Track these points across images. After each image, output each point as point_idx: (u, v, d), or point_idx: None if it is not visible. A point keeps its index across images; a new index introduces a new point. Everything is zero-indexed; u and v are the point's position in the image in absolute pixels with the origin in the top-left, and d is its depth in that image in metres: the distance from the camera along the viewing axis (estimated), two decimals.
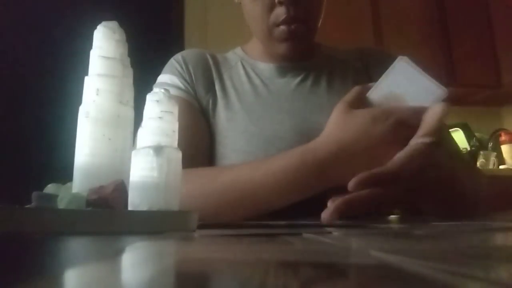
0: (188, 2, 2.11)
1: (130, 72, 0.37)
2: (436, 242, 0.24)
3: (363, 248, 0.21)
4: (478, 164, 2.08)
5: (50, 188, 0.33)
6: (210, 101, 0.70)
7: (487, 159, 2.16)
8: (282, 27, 0.63)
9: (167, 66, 0.74)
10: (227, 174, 0.56)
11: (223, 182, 0.55)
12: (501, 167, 2.18)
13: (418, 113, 0.48)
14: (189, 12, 2.09)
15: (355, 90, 0.54)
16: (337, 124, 0.52)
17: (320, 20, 0.69)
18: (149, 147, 0.34)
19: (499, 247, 0.21)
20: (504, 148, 2.23)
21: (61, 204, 0.30)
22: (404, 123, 0.48)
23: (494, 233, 0.29)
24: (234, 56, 0.77)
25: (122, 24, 0.37)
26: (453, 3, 2.22)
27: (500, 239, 0.26)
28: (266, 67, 0.74)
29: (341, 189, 0.50)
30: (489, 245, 0.22)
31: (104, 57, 0.35)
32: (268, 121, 0.67)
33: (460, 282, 0.11)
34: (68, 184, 0.34)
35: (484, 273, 0.13)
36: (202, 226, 0.37)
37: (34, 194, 0.30)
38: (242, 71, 0.74)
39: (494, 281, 0.11)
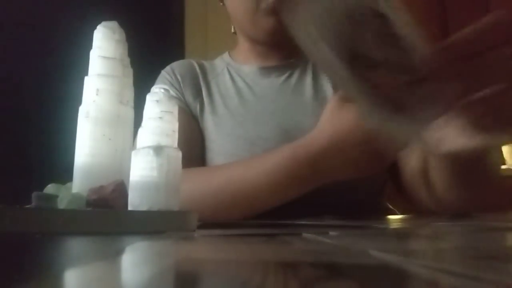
0: (188, 1, 2.11)
1: (130, 72, 0.37)
2: (436, 242, 0.24)
3: (363, 248, 0.21)
4: None
5: (50, 188, 0.33)
6: (198, 108, 0.72)
7: None
8: None
9: (158, 78, 0.76)
10: (221, 174, 0.56)
11: (218, 182, 0.55)
12: (501, 167, 2.18)
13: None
14: (189, 12, 2.09)
15: None
16: (329, 119, 0.52)
17: None
18: (149, 147, 0.34)
19: (499, 247, 0.21)
20: (505, 148, 2.23)
21: (61, 204, 0.30)
22: None
23: (494, 233, 0.29)
24: (221, 62, 0.78)
25: (122, 24, 0.37)
26: (453, 3, 2.22)
27: (500, 239, 0.26)
28: (250, 70, 0.74)
29: (335, 187, 0.51)
30: (489, 245, 0.22)
31: (104, 57, 0.35)
32: (252, 122, 0.68)
33: (460, 282, 0.11)
34: (68, 184, 0.34)
35: (484, 273, 0.13)
36: (202, 226, 0.37)
37: (34, 194, 0.30)
38: (227, 77, 0.75)
39: (494, 281, 0.11)
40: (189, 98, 0.72)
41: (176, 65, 0.77)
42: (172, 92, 0.71)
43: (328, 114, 0.52)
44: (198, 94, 0.73)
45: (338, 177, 0.51)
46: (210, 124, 0.70)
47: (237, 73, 0.75)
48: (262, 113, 0.69)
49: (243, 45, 0.76)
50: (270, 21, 0.65)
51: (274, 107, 0.69)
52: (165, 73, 0.75)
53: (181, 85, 0.73)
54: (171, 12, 2.06)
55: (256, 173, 0.53)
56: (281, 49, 0.74)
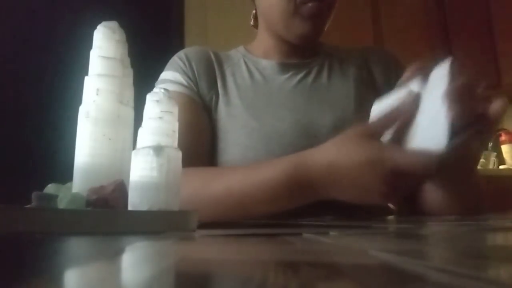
0: (188, 2, 2.11)
1: (130, 72, 0.37)
2: (436, 242, 0.24)
3: (363, 248, 0.21)
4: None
5: (50, 188, 0.33)
6: (213, 98, 0.71)
7: (487, 159, 2.16)
8: (311, 4, 0.64)
9: (170, 63, 0.74)
10: (220, 181, 0.55)
11: (216, 191, 0.54)
12: (501, 167, 2.18)
13: (417, 165, 0.43)
14: (189, 12, 2.09)
15: (379, 122, 0.49)
16: (340, 145, 0.48)
17: (335, 10, 0.70)
18: (149, 147, 0.34)
19: (499, 247, 0.21)
20: (504, 148, 2.23)
21: (61, 204, 0.30)
22: (399, 172, 0.44)
23: (494, 233, 0.29)
24: (237, 53, 0.78)
25: (122, 24, 0.37)
26: (453, 3, 2.22)
27: (500, 239, 0.26)
28: (268, 64, 0.74)
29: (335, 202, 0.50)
30: (489, 245, 0.22)
31: (104, 57, 0.35)
32: (268, 116, 0.68)
33: (460, 282, 0.11)
34: (68, 184, 0.34)
35: (484, 273, 0.13)
36: (202, 226, 0.37)
37: (34, 194, 0.30)
38: (244, 67, 0.74)
39: (494, 281, 0.11)
40: (204, 88, 0.71)
41: (191, 52, 0.75)
42: (183, 81, 0.70)
43: (345, 138, 0.49)
44: (213, 84, 0.72)
45: (337, 198, 0.50)
46: (224, 115, 0.69)
47: (254, 65, 0.75)
48: (279, 108, 0.69)
49: (265, 41, 0.76)
50: (305, 25, 0.66)
51: (291, 103, 0.69)
52: (178, 59, 0.74)
53: (196, 74, 0.72)
54: (171, 12, 2.06)
55: (253, 185, 0.52)
56: (304, 49, 0.75)
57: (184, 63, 0.73)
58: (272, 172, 0.51)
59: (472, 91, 0.43)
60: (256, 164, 0.56)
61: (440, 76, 0.43)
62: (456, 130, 0.41)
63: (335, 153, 0.48)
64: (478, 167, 2.01)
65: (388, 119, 0.47)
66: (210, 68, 0.73)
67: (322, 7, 0.65)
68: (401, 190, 0.48)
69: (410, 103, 0.46)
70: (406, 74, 0.48)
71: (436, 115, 0.42)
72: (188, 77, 0.71)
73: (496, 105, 0.43)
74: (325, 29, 0.71)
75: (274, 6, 0.68)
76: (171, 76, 0.71)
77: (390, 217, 0.59)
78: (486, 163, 2.15)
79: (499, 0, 2.21)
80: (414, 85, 0.46)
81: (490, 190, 0.63)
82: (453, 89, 0.42)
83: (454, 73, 0.43)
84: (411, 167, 0.43)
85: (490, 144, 2.26)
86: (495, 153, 2.20)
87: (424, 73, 0.46)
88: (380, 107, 0.50)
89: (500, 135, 2.26)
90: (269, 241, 0.26)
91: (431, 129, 0.43)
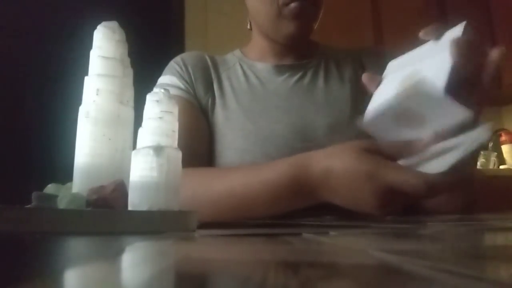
0: (188, 2, 2.11)
1: (130, 72, 0.37)
2: (436, 242, 0.24)
3: (363, 248, 0.21)
4: (478, 164, 2.08)
5: (50, 188, 0.33)
6: (209, 101, 0.71)
7: (487, 159, 2.16)
8: (294, 5, 0.64)
9: (167, 68, 0.75)
10: (221, 182, 0.55)
11: (217, 190, 0.54)
12: (501, 167, 2.18)
13: (413, 186, 0.41)
14: (189, 12, 2.09)
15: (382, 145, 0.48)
16: (340, 154, 0.47)
17: (323, 7, 0.70)
18: (149, 147, 0.34)
19: (499, 247, 0.21)
20: (505, 148, 2.23)
21: (61, 204, 0.30)
22: (394, 190, 0.43)
23: (494, 233, 0.29)
24: (233, 57, 0.78)
25: (122, 24, 0.37)
26: (453, 3, 2.22)
27: (500, 239, 0.26)
28: (263, 67, 0.74)
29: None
30: (489, 245, 0.22)
31: (104, 57, 0.35)
32: (265, 119, 0.68)
33: (460, 282, 0.11)
34: (68, 184, 0.34)
35: (484, 273, 0.13)
36: (202, 226, 0.37)
37: (34, 194, 0.30)
38: (240, 71, 0.75)
39: (494, 281, 0.11)
40: (200, 91, 0.72)
41: (187, 57, 0.76)
42: (180, 84, 0.71)
43: (344, 148, 0.48)
44: (209, 87, 0.73)
45: (334, 203, 0.50)
46: (220, 118, 0.70)
47: (250, 69, 0.75)
48: (275, 110, 0.69)
49: (259, 43, 0.76)
50: (292, 25, 0.66)
51: (287, 105, 0.70)
52: (175, 64, 0.75)
53: (192, 77, 0.72)
54: (171, 12, 2.06)
55: (256, 186, 0.52)
56: (298, 49, 0.75)
57: (180, 67, 0.73)
58: (273, 173, 0.51)
59: (479, 46, 0.42)
60: (257, 165, 0.56)
61: (453, 36, 0.43)
62: (457, 80, 0.40)
63: (333, 161, 0.48)
64: (478, 167, 2.02)
65: (397, 149, 0.45)
66: (206, 72, 0.74)
67: (305, 6, 0.65)
68: (395, 205, 0.48)
69: (423, 145, 0.43)
70: (421, 34, 0.47)
71: (440, 60, 0.41)
72: (185, 80, 0.72)
73: (494, 55, 0.42)
74: (314, 27, 0.71)
75: (260, 9, 0.68)
76: (168, 80, 0.72)
77: (390, 217, 0.59)
78: (486, 163, 2.15)
79: (499, 0, 2.21)
80: (427, 46, 0.46)
81: (490, 190, 0.63)
82: (461, 40, 0.41)
83: (466, 33, 0.42)
84: (407, 187, 0.42)
85: (490, 144, 2.26)
86: (495, 153, 2.20)
87: (438, 34, 0.45)
88: (395, 66, 0.50)
89: (500, 135, 2.26)
90: (269, 241, 0.26)
91: (433, 71, 0.42)
